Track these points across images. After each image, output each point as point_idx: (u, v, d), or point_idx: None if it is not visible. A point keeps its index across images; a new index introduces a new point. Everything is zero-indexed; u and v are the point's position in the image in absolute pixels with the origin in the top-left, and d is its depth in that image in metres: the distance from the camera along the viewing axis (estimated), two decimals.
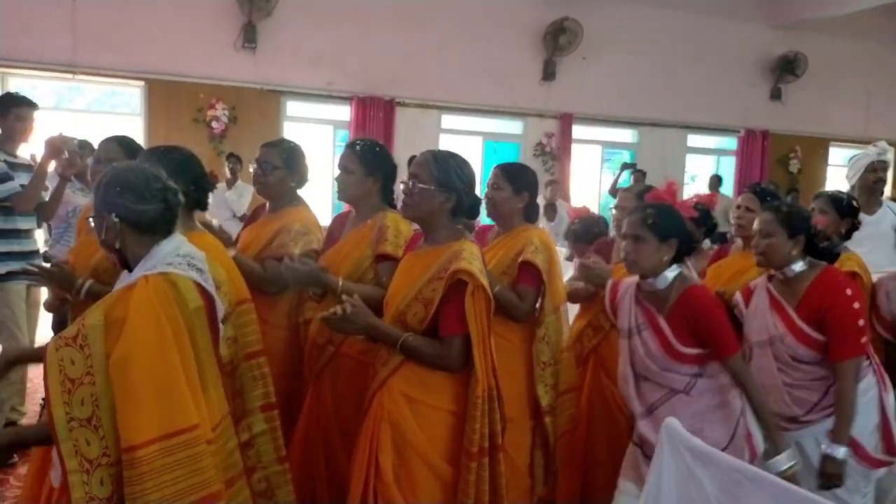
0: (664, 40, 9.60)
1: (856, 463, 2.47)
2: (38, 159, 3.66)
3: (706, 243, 3.36)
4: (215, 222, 2.85)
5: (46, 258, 4.03)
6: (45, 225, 4.45)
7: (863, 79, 10.65)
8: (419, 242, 2.29)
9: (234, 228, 4.19)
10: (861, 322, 2.47)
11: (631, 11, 9.34)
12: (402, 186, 2.20)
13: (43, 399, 1.71)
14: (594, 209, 4.70)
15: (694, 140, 10.51)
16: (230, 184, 7.07)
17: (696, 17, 9.65)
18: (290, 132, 8.43)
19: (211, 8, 7.77)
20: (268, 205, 2.95)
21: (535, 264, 2.63)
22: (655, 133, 10.07)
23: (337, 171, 2.70)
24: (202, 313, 1.79)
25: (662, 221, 2.31)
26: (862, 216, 3.22)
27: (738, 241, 3.08)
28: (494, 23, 8.91)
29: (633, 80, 9.54)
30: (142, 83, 7.76)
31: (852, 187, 3.87)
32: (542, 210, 8.19)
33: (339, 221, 2.90)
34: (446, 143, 9.04)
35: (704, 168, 10.98)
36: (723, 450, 2.17)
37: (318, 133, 8.73)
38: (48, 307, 3.04)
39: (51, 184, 3.83)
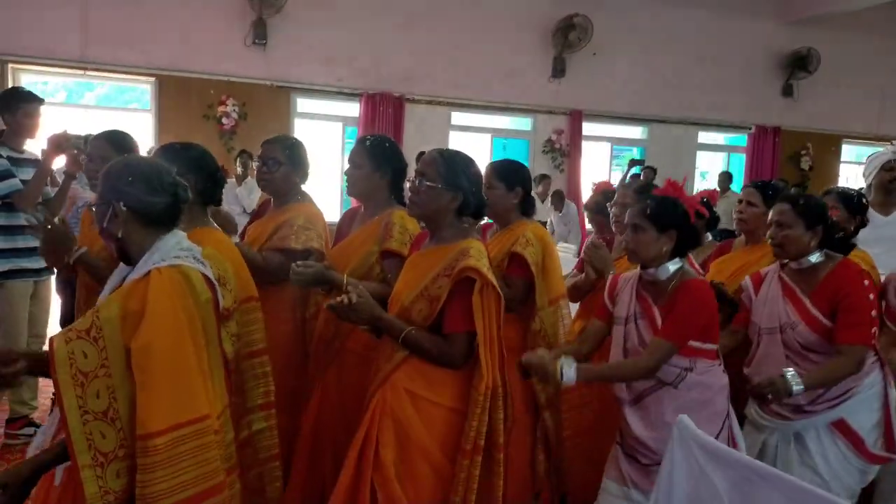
0: (675, 36, 9.56)
1: (854, 457, 2.47)
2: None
3: (707, 236, 3.37)
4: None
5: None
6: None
7: (876, 75, 10.55)
8: (425, 241, 2.29)
9: (244, 224, 4.21)
10: (874, 313, 2.47)
11: (641, 8, 9.30)
12: (408, 184, 2.19)
13: (53, 393, 1.70)
14: None
15: (704, 137, 10.47)
16: (240, 180, 7.10)
17: (707, 14, 9.60)
18: (299, 128, 8.46)
19: (221, 5, 7.80)
20: (272, 201, 2.96)
21: (522, 255, 2.66)
22: (666, 130, 10.03)
23: (346, 168, 2.70)
24: (210, 305, 1.80)
25: (661, 212, 2.35)
26: (878, 216, 3.20)
27: (742, 237, 3.11)
28: (504, 19, 8.89)
29: (643, 77, 9.50)
30: (152, 79, 7.79)
31: (868, 186, 3.84)
32: (549, 201, 8.23)
33: (349, 217, 2.91)
34: (455, 140, 9.04)
35: (715, 165, 10.94)
36: None
37: (327, 130, 8.74)
38: (50, 263, 2.94)
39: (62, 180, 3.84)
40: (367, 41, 8.35)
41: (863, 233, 3.02)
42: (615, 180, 8.01)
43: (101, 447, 1.57)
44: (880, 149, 3.91)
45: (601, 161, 10.16)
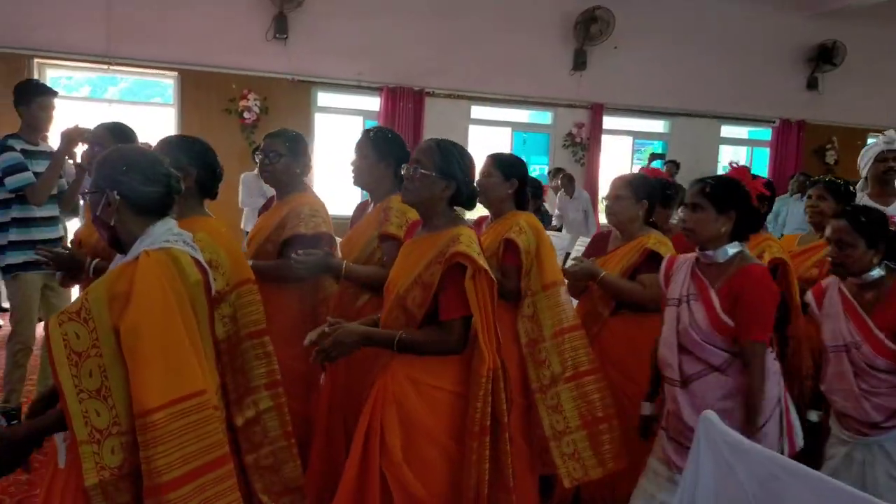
0: (698, 29, 9.45)
1: None
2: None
3: None
4: (246, 211, 2.93)
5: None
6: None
7: None
8: (417, 230, 2.34)
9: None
10: None
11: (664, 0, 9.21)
12: (402, 171, 2.24)
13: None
14: None
15: (727, 131, 10.35)
16: None
17: (730, 5, 9.48)
18: (320, 123, 8.48)
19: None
20: (276, 193, 3.06)
21: (515, 242, 2.72)
22: (688, 123, 9.93)
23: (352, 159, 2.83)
24: (201, 287, 1.84)
25: (721, 192, 2.32)
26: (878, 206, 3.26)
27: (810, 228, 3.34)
28: (525, 12, 8.84)
29: (665, 70, 9.41)
30: (175, 74, 7.85)
31: (865, 179, 3.84)
32: (559, 183, 8.23)
33: (361, 209, 3.04)
34: (475, 134, 9.02)
35: (738, 159, 10.82)
36: None
37: (347, 124, 8.75)
38: (61, 282, 3.07)
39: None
40: (387, 35, 8.34)
41: None
42: None
43: (96, 424, 1.61)
44: None
45: (622, 155, 10.09)
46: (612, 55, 9.13)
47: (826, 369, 2.60)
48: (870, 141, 10.80)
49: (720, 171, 10.38)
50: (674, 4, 9.26)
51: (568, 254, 5.84)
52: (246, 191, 6.93)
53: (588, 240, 3.86)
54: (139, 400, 1.59)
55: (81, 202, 4.17)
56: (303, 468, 2.46)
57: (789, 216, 7.46)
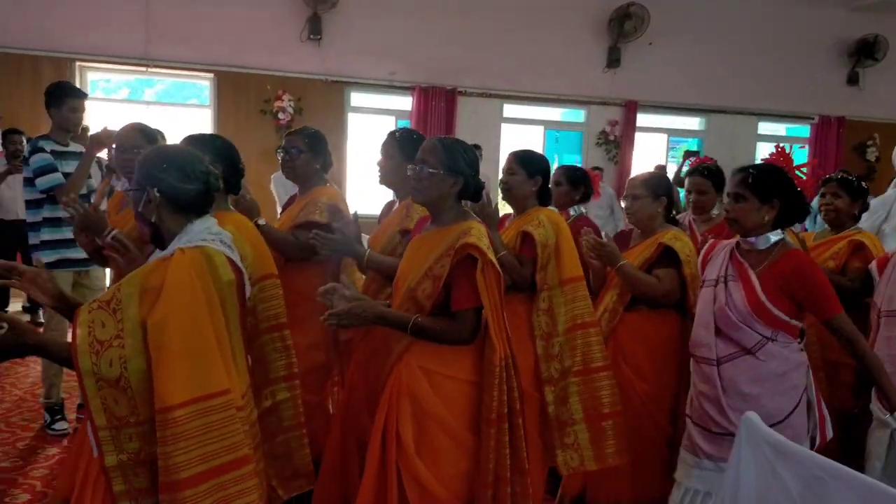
0: (734, 24, 9.30)
1: None
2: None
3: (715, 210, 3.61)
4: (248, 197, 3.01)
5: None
6: None
7: None
8: (426, 225, 2.37)
9: None
10: None
11: None
12: (408, 171, 2.28)
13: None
14: None
15: (764, 128, 10.17)
16: None
17: (766, 0, 9.31)
18: (353, 123, 8.54)
19: (277, 1, 7.92)
20: (298, 189, 3.18)
21: (531, 234, 2.78)
22: (724, 120, 9.78)
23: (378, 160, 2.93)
24: (233, 287, 1.86)
25: (764, 181, 2.32)
26: None
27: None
28: (558, 9, 8.79)
29: (701, 66, 9.28)
30: (211, 75, 7.98)
31: None
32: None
33: (388, 207, 3.13)
34: (508, 133, 8.99)
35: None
36: (776, 424, 2.15)
37: (380, 124, 8.80)
38: (82, 244, 3.03)
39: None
40: (419, 35, 8.37)
41: None
42: (671, 173, 7.87)
43: (115, 411, 1.64)
44: None
45: (657, 153, 9.98)
46: (646, 52, 9.04)
47: (874, 337, 2.64)
48: None
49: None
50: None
51: None
52: (282, 189, 7.00)
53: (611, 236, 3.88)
54: (161, 396, 1.60)
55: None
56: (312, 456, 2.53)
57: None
